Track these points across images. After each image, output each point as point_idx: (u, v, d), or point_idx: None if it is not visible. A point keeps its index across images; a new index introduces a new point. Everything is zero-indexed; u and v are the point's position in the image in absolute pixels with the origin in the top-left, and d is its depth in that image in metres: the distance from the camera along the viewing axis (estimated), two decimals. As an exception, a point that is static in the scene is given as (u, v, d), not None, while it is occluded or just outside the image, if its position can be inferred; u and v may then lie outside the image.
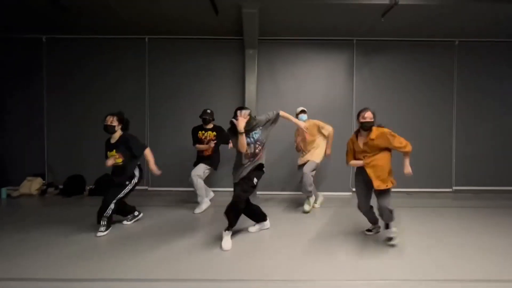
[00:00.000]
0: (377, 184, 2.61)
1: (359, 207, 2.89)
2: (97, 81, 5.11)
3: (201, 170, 3.80)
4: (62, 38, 5.05)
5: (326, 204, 4.26)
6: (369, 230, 3.03)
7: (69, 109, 5.12)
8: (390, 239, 2.72)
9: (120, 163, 2.98)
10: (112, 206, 2.95)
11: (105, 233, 2.90)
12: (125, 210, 3.25)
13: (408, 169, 2.65)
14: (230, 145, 3.75)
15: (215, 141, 3.86)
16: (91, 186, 4.91)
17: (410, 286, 2.01)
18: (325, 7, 3.97)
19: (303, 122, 3.54)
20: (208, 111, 3.96)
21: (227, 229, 2.69)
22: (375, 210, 2.88)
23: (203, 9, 4.01)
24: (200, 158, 3.94)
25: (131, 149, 2.99)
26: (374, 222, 2.99)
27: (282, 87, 5.11)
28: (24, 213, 3.84)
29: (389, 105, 5.08)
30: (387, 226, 2.78)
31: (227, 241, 2.65)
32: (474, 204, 4.35)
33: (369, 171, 2.66)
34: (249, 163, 2.76)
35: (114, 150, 2.99)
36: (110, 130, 3.00)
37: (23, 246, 2.64)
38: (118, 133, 3.05)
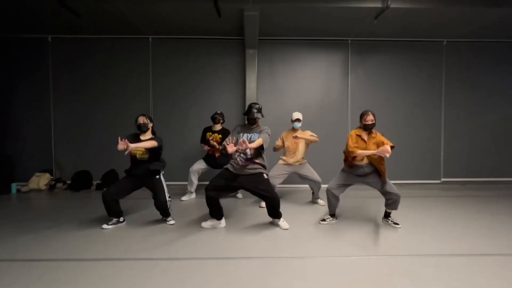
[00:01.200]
0: (384, 175, 3.00)
1: (331, 190, 3.10)
2: (102, 79, 5.28)
3: (197, 165, 4.17)
4: (68, 38, 5.20)
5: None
6: (324, 220, 3.25)
7: (74, 107, 5.29)
8: (396, 223, 3.13)
9: (146, 159, 3.10)
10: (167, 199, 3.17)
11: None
12: (114, 210, 3.08)
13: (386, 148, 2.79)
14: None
15: (218, 146, 4.02)
16: (98, 181, 5.10)
17: (408, 260, 2.30)
18: (321, 10, 4.20)
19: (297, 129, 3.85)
20: (219, 111, 4.26)
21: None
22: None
23: (207, 12, 4.22)
24: (209, 156, 4.20)
25: (158, 152, 3.16)
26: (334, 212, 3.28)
27: (281, 85, 5.36)
28: (36, 206, 4.03)
29: (381, 102, 5.38)
30: (388, 215, 3.19)
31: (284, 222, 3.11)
32: (461, 194, 4.68)
33: (375, 162, 3.00)
34: (241, 160, 2.98)
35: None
36: (144, 128, 3.14)
37: (43, 232, 2.86)
38: (149, 132, 3.19)
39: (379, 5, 4.09)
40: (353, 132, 3.08)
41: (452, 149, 5.47)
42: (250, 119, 3.09)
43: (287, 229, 3.02)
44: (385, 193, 3.03)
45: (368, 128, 3.02)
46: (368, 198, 4.26)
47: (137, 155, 3.09)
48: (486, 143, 5.50)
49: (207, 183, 2.98)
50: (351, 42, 5.34)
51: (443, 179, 5.48)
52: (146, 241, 2.70)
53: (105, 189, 3.08)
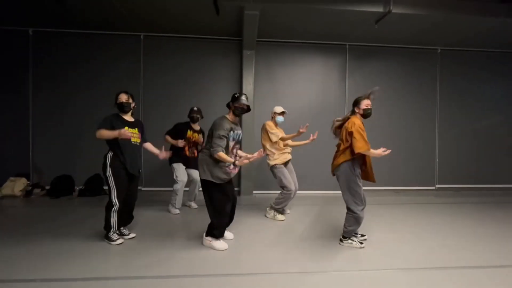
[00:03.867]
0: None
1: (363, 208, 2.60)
2: (87, 78, 4.93)
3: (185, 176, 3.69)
4: (50, 32, 4.82)
5: (319, 201, 4.39)
6: (363, 235, 2.84)
7: (57, 106, 4.89)
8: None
9: (138, 144, 2.73)
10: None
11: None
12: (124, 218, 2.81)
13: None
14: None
15: (201, 145, 3.75)
16: (81, 187, 4.71)
17: (406, 274, 2.16)
18: (322, 11, 4.11)
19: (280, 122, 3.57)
20: (195, 108, 3.76)
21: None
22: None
23: (204, 8, 4.02)
24: (183, 158, 3.65)
25: (143, 133, 2.82)
26: None
27: (278, 88, 5.22)
28: (10, 215, 3.62)
29: (377, 108, 5.34)
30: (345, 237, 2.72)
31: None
32: (455, 200, 4.69)
33: (369, 162, 2.63)
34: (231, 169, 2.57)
35: (136, 129, 2.74)
36: (127, 108, 2.69)
37: (13, 247, 2.51)
38: (129, 114, 2.78)
39: (380, 9, 4.05)
40: (359, 121, 2.57)
41: (447, 156, 5.52)
42: (240, 109, 2.57)
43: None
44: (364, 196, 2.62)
45: (368, 116, 2.64)
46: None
47: (132, 139, 2.67)
48: (481, 150, 5.58)
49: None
50: (349, 47, 5.30)
51: (437, 186, 5.50)
52: (141, 256, 2.42)
53: (115, 202, 2.59)
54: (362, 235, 2.80)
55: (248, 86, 4.91)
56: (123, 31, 4.88)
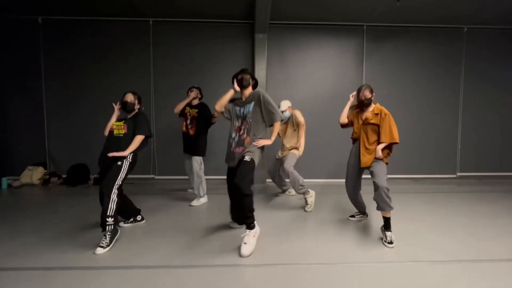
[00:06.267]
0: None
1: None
2: (98, 66, 4.88)
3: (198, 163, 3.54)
4: (60, 20, 4.76)
5: (333, 190, 4.28)
6: (352, 216, 3.05)
7: (70, 95, 4.90)
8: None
9: (121, 135, 2.60)
10: (114, 197, 2.36)
11: (106, 249, 2.24)
12: (128, 211, 2.81)
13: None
14: (214, 119, 3.54)
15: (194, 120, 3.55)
16: (96, 175, 4.76)
17: (421, 267, 2.05)
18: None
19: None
20: (196, 85, 3.71)
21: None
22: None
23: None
24: (186, 138, 3.59)
25: (136, 124, 2.62)
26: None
27: (291, 73, 5.02)
28: (29, 202, 3.71)
29: (397, 92, 5.09)
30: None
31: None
32: (479, 189, 4.47)
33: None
34: (237, 139, 2.49)
35: (123, 122, 2.65)
36: (130, 108, 2.68)
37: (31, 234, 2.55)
38: (133, 114, 2.74)
39: (403, -16, 3.75)
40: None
41: (470, 142, 5.23)
42: (242, 82, 2.46)
43: (246, 256, 2.16)
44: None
45: (363, 106, 2.61)
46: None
47: (114, 131, 2.60)
48: (506, 137, 5.26)
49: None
50: (366, 27, 5.00)
51: (459, 174, 5.26)
52: (162, 246, 2.40)
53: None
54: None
55: (260, 71, 4.74)
56: (132, 17, 4.76)
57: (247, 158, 2.34)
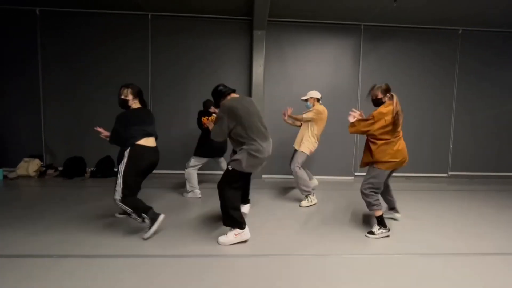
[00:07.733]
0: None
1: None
2: (96, 58, 4.87)
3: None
4: (58, 11, 4.74)
5: (331, 187, 4.36)
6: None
7: (67, 87, 4.88)
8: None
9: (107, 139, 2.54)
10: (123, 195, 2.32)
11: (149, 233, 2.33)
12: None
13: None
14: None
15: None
16: (92, 168, 4.78)
17: (412, 259, 2.13)
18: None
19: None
20: (208, 99, 3.69)
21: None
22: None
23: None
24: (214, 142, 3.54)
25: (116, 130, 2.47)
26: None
27: (289, 70, 5.06)
28: (25, 194, 3.72)
29: (392, 91, 5.15)
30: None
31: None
32: (470, 188, 4.58)
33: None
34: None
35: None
36: (122, 105, 2.49)
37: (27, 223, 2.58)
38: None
39: (401, -15, 3.81)
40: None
41: (462, 141, 5.34)
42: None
43: (220, 243, 2.29)
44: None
45: (373, 104, 2.71)
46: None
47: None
48: (497, 136, 5.38)
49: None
50: (364, 27, 5.05)
51: (450, 173, 5.37)
52: (157, 236, 2.45)
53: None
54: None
55: (258, 68, 4.78)
56: (130, 10, 4.75)
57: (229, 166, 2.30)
